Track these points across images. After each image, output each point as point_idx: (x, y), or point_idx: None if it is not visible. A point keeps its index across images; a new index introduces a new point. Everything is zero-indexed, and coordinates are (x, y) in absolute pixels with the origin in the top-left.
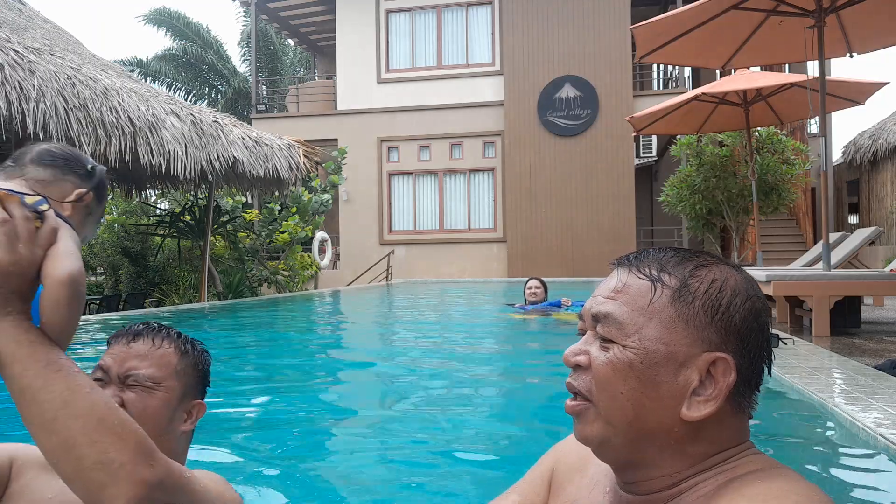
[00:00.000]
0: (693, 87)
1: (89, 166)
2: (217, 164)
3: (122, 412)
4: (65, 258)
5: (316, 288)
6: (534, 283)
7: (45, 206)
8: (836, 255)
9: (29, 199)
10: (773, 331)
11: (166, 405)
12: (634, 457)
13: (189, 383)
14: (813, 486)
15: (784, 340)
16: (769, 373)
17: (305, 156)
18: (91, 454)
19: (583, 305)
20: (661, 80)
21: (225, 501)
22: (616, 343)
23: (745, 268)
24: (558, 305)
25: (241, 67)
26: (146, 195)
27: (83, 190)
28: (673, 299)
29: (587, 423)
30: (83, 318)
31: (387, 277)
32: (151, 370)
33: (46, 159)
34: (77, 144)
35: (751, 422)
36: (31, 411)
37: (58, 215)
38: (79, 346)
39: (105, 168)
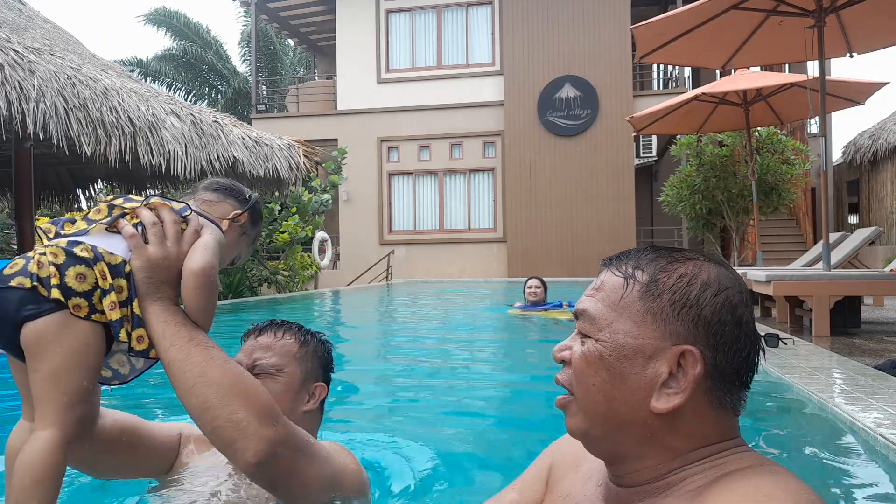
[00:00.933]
0: (693, 87)
1: (247, 195)
2: (217, 164)
3: (252, 381)
4: (200, 252)
5: (316, 288)
6: (534, 282)
7: (188, 212)
8: (836, 255)
9: (175, 206)
10: (773, 331)
11: (289, 388)
12: (615, 449)
13: (309, 368)
14: (802, 483)
15: (784, 340)
16: (754, 370)
17: (305, 156)
18: (223, 414)
19: None
20: (661, 80)
21: (350, 471)
22: (590, 337)
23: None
24: (558, 307)
25: (241, 67)
26: (146, 195)
27: (238, 211)
28: (642, 294)
29: (571, 415)
30: None
31: (387, 277)
32: (274, 359)
33: (213, 186)
34: (77, 144)
35: (752, 422)
36: (177, 379)
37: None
38: None
39: (260, 196)
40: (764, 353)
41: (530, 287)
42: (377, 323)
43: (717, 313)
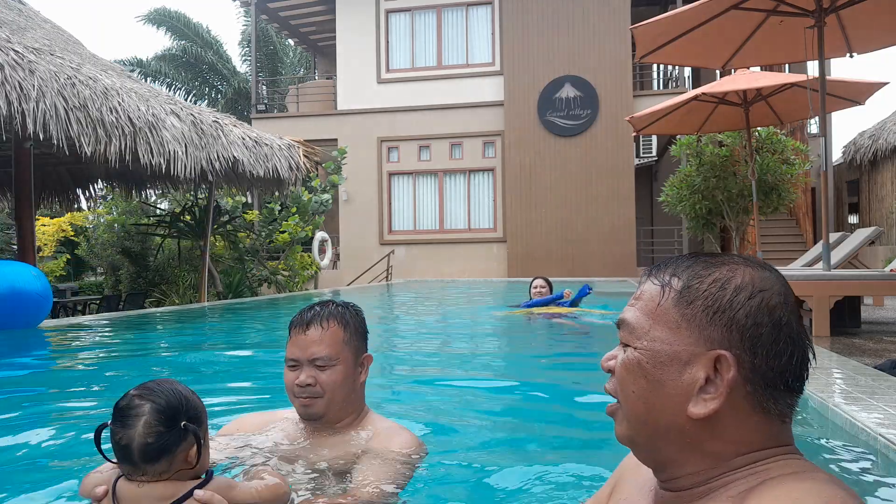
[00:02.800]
0: (693, 87)
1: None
2: (217, 164)
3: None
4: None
5: (316, 288)
6: (539, 281)
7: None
8: (836, 255)
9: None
10: None
11: (347, 370)
12: (658, 455)
13: (356, 345)
14: (839, 490)
15: None
16: (801, 374)
17: (305, 156)
18: None
19: (584, 294)
20: (661, 80)
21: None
22: (630, 346)
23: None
24: (560, 297)
25: (241, 67)
26: (146, 195)
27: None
28: (676, 301)
29: (618, 423)
30: (84, 318)
31: (387, 277)
32: (328, 351)
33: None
34: (77, 144)
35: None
36: None
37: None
38: (81, 346)
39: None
40: (814, 356)
41: (536, 287)
42: (379, 323)
43: (752, 316)
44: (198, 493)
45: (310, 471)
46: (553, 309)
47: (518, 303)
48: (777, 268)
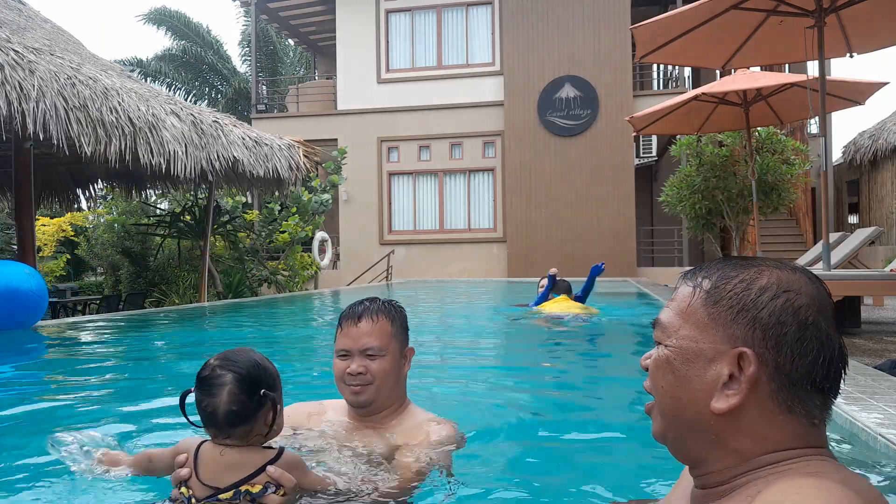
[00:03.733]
0: (693, 87)
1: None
2: (217, 164)
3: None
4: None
5: (316, 288)
6: (553, 269)
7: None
8: (836, 255)
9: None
10: None
11: (394, 360)
12: (688, 452)
13: (401, 338)
14: (853, 495)
15: None
16: (832, 376)
17: (305, 156)
18: None
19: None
20: (661, 80)
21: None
22: (661, 344)
23: None
24: (552, 281)
25: (241, 67)
26: (146, 195)
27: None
28: (704, 301)
29: (653, 419)
30: (84, 318)
31: (387, 277)
32: (378, 342)
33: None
34: (77, 144)
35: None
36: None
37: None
38: (81, 345)
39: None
40: (843, 360)
41: (543, 287)
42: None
43: (776, 315)
44: (270, 468)
45: (354, 457)
46: (558, 307)
47: (526, 302)
48: None
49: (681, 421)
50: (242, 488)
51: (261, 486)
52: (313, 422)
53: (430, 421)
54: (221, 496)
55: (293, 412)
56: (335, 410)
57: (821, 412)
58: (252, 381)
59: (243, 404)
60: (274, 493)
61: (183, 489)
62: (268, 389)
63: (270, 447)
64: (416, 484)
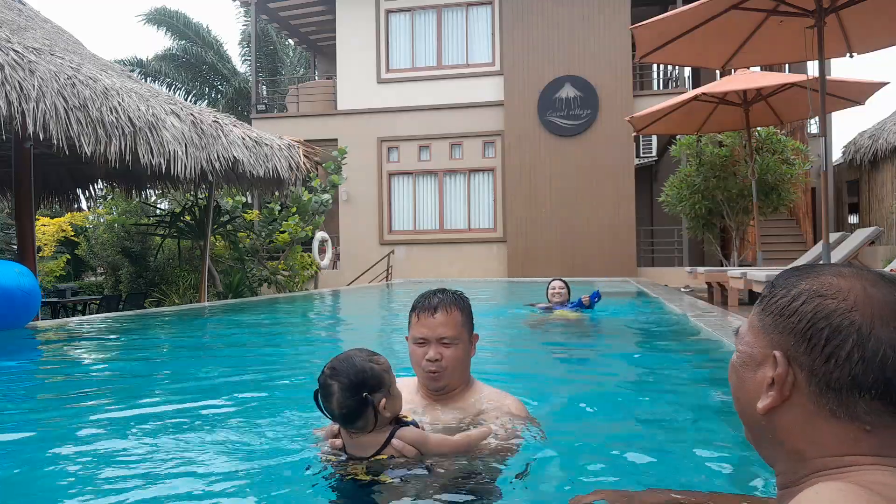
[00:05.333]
0: (693, 87)
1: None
2: (217, 165)
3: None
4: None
5: (316, 288)
6: (557, 283)
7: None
8: (837, 255)
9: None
10: None
11: (465, 346)
12: (762, 452)
13: (469, 326)
14: (878, 499)
15: None
16: (878, 381)
17: (305, 156)
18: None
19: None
20: (661, 80)
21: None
22: (735, 349)
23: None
24: (580, 305)
25: (242, 67)
26: (146, 195)
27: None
28: (759, 309)
29: None
30: (85, 318)
31: (387, 277)
32: (452, 332)
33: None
34: (77, 144)
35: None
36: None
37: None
38: (80, 344)
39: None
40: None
41: (553, 288)
42: (378, 322)
43: (806, 320)
44: (395, 441)
45: (442, 431)
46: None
47: (534, 302)
48: (777, 268)
49: (745, 421)
50: (375, 458)
51: (387, 457)
52: None
53: (498, 394)
54: (369, 459)
55: None
56: (407, 389)
57: (873, 418)
58: (356, 387)
59: (351, 408)
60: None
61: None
62: (371, 390)
63: (399, 421)
64: (509, 445)
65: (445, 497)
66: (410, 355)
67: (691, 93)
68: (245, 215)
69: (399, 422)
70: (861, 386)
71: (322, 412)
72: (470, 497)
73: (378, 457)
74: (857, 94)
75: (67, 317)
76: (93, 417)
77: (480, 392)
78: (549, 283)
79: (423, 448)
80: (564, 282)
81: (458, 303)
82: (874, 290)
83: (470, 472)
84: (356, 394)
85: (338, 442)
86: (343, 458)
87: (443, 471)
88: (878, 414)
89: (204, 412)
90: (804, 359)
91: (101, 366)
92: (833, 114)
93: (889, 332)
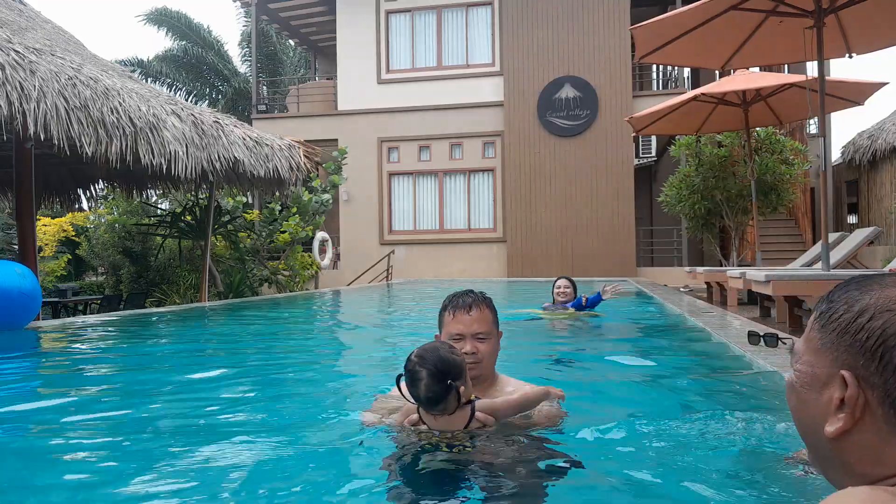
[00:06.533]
0: (692, 88)
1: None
2: (218, 165)
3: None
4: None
5: (316, 288)
6: (563, 282)
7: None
8: (836, 255)
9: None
10: (772, 330)
11: (495, 342)
12: (828, 476)
13: (497, 324)
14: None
15: (783, 340)
16: None
17: (306, 156)
18: None
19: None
20: (661, 81)
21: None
22: (791, 368)
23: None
24: (579, 304)
25: (242, 68)
26: (147, 195)
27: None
28: (818, 325)
29: None
30: (86, 317)
31: (387, 277)
32: (485, 327)
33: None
34: (78, 145)
35: (753, 422)
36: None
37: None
38: (82, 343)
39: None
40: None
41: (559, 287)
42: (378, 322)
43: (875, 337)
44: (478, 414)
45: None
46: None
47: (542, 303)
48: (776, 268)
49: (809, 444)
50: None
51: (478, 425)
52: None
53: (523, 384)
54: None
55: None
56: None
57: None
58: (441, 374)
59: (437, 392)
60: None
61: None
62: (454, 378)
63: (470, 400)
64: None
65: (520, 457)
66: None
67: (691, 93)
68: (246, 215)
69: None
70: None
71: (404, 395)
72: (539, 456)
73: (468, 430)
74: (856, 94)
75: (68, 316)
76: (95, 416)
77: (506, 382)
78: (555, 281)
79: (496, 414)
80: (571, 280)
81: (488, 302)
82: None
83: (540, 438)
84: (442, 381)
85: (414, 417)
86: (425, 431)
87: (522, 439)
88: None
89: (205, 413)
90: (876, 378)
91: (103, 365)
92: (832, 114)
93: None
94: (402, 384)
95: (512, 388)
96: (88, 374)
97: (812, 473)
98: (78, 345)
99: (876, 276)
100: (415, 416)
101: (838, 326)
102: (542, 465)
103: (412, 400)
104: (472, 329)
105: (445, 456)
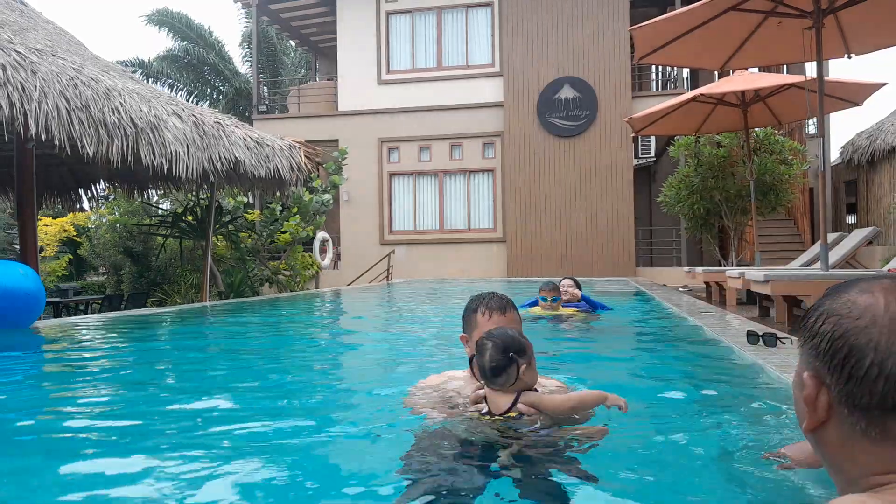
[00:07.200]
0: (691, 88)
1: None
2: (219, 165)
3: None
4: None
5: (317, 288)
6: (567, 281)
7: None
8: (834, 255)
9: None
10: (771, 330)
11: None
12: (827, 471)
13: (521, 323)
14: None
15: (782, 340)
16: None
17: (306, 156)
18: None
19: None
20: (660, 81)
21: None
22: None
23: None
24: (599, 307)
25: (243, 68)
26: (148, 195)
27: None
28: (801, 331)
29: None
30: (87, 317)
31: (387, 277)
32: (518, 327)
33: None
34: (79, 145)
35: (751, 423)
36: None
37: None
38: (84, 343)
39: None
40: None
41: (563, 286)
42: (379, 322)
43: (829, 341)
44: (520, 405)
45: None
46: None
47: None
48: (775, 268)
49: (807, 439)
50: (508, 414)
51: (516, 413)
52: (450, 387)
53: (542, 378)
54: (500, 416)
55: (430, 381)
56: (463, 380)
57: None
58: (505, 347)
59: (499, 363)
60: (525, 417)
61: (480, 409)
62: (516, 353)
63: (524, 390)
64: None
65: (550, 451)
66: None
67: (690, 94)
68: (246, 215)
69: None
70: (887, 404)
71: (475, 375)
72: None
73: (508, 414)
74: (854, 94)
75: (69, 316)
76: (94, 416)
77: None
78: (560, 281)
79: (540, 407)
80: (575, 280)
81: (513, 304)
82: (888, 309)
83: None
84: (505, 353)
85: (480, 393)
86: (481, 412)
87: (559, 433)
88: None
89: (206, 413)
90: (829, 379)
91: (104, 364)
92: (831, 114)
93: None
94: (475, 364)
95: (541, 381)
96: (89, 374)
97: (791, 469)
98: (79, 344)
99: (850, 281)
100: (481, 392)
101: (805, 331)
102: (553, 471)
103: (480, 378)
104: None
105: (480, 439)
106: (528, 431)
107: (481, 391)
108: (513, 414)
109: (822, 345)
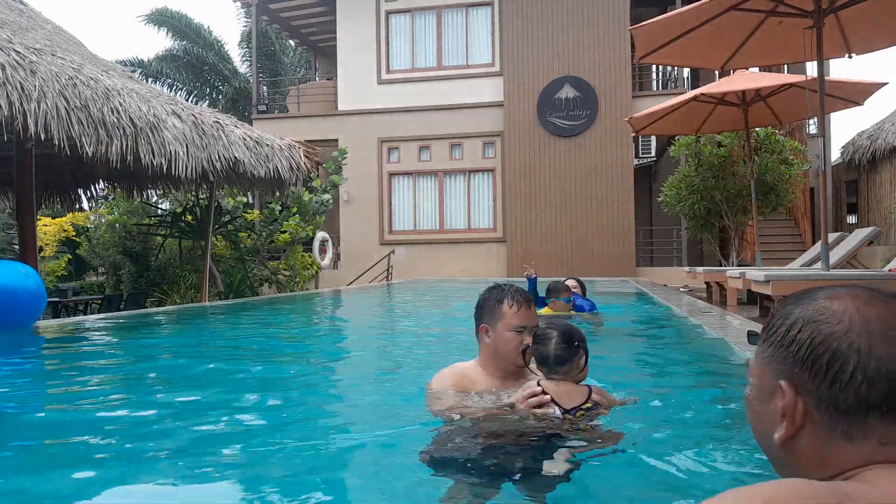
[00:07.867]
0: (692, 88)
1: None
2: (218, 165)
3: None
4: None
5: (316, 288)
6: (571, 282)
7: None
8: (835, 255)
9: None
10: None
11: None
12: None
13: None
14: (812, 491)
15: None
16: (890, 398)
17: (306, 156)
18: None
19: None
20: (660, 81)
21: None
22: (748, 383)
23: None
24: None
25: (242, 68)
26: (147, 195)
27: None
28: (762, 340)
29: None
30: (85, 317)
31: (387, 277)
32: (538, 321)
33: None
34: (79, 145)
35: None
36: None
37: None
38: (79, 344)
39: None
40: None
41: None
42: (379, 321)
43: (804, 348)
44: (594, 396)
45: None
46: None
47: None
48: (776, 268)
49: (767, 453)
50: (584, 406)
51: (591, 405)
52: (467, 381)
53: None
54: (576, 413)
55: (445, 376)
56: (474, 371)
57: (887, 430)
58: (569, 336)
59: (565, 350)
60: (597, 409)
61: (542, 401)
62: (580, 342)
63: (585, 385)
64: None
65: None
66: (503, 342)
67: (690, 93)
68: (246, 215)
69: None
70: (870, 404)
71: (530, 368)
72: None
73: (585, 405)
74: (855, 94)
75: (69, 316)
76: (95, 415)
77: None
78: (565, 281)
79: (608, 399)
80: (579, 281)
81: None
82: (869, 310)
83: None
84: (570, 342)
85: (538, 389)
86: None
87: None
88: (892, 425)
89: (206, 412)
90: (809, 386)
91: (105, 364)
92: (832, 114)
93: (888, 349)
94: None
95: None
96: (89, 373)
97: None
98: (79, 344)
99: (812, 290)
100: (538, 389)
101: (776, 340)
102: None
103: (537, 372)
104: (532, 322)
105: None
106: (591, 425)
107: (536, 387)
108: (588, 404)
109: (802, 352)
